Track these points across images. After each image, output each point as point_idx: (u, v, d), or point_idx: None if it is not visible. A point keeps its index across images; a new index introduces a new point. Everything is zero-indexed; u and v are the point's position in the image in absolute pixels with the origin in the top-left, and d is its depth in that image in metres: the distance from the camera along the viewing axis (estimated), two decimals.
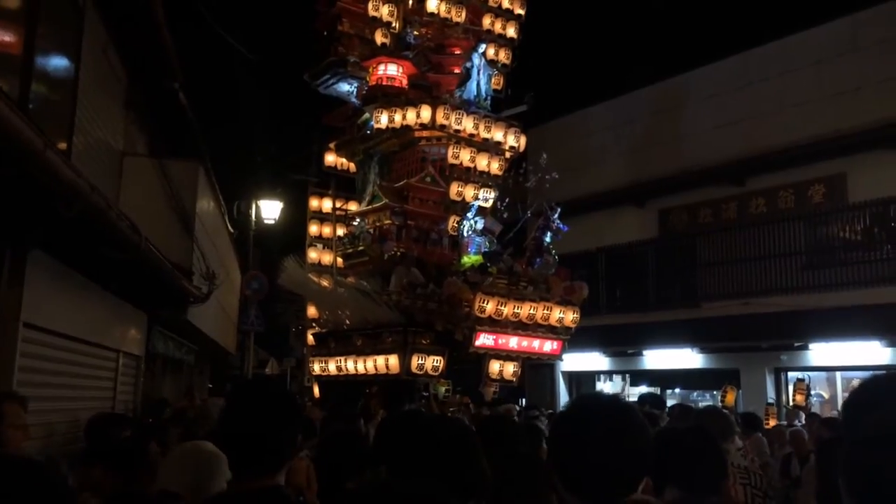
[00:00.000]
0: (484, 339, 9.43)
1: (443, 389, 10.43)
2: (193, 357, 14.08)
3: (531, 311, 9.58)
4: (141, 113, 9.56)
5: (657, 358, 16.01)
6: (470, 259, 10.21)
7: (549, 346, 10.12)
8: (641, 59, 24.65)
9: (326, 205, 13.33)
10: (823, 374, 13.95)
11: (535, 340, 9.93)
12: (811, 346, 13.38)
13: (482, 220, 10.64)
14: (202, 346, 13.95)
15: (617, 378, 17.63)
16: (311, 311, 12.61)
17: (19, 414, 3.75)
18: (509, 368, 9.90)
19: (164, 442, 4.88)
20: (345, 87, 11.72)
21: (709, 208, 15.65)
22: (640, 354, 16.32)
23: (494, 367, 9.75)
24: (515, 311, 9.46)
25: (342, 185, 13.21)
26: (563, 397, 17.68)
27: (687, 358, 15.35)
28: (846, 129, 13.02)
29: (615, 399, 2.05)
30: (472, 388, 10.34)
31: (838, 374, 13.73)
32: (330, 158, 13.12)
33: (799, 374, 13.53)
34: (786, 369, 14.24)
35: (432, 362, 9.70)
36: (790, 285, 13.85)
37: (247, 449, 1.86)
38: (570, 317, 9.95)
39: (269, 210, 16.42)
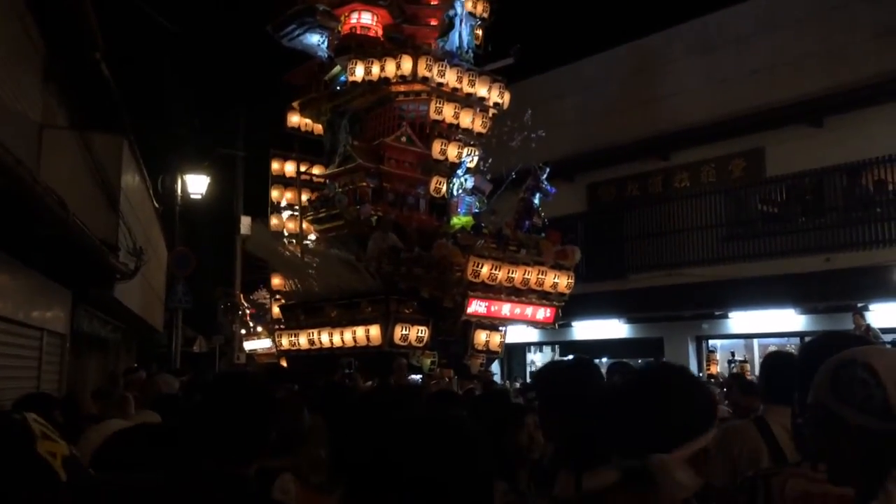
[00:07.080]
0: (476, 306, 8.86)
1: (428, 361, 9.44)
2: (120, 335, 13.73)
3: (525, 276, 9.02)
4: (61, 85, 9.19)
5: (586, 329, 16.39)
6: (460, 220, 9.66)
7: (542, 313, 9.65)
8: (573, 35, 24.89)
9: (289, 168, 12.52)
10: (741, 340, 14.56)
11: (528, 307, 9.43)
12: (731, 314, 13.94)
13: (472, 179, 10.08)
14: (129, 323, 13.60)
15: (546, 349, 17.98)
16: (276, 281, 11.86)
17: None
18: (496, 339, 9.44)
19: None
20: (313, 39, 10.95)
21: (636, 182, 16.04)
22: (569, 325, 16.66)
23: (481, 336, 9.27)
24: (510, 275, 8.85)
25: (304, 148, 12.47)
26: (496, 368, 17.92)
27: (614, 328, 15.79)
28: (764, 105, 13.50)
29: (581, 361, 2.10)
30: (457, 360, 9.54)
31: (755, 341, 14.35)
32: (294, 119, 12.32)
33: (718, 342, 14.10)
34: (707, 337, 14.81)
35: (416, 332, 9.18)
36: (711, 256, 14.35)
37: (219, 438, 1.86)
38: (564, 282, 9.52)
39: (196, 185, 15.98)
